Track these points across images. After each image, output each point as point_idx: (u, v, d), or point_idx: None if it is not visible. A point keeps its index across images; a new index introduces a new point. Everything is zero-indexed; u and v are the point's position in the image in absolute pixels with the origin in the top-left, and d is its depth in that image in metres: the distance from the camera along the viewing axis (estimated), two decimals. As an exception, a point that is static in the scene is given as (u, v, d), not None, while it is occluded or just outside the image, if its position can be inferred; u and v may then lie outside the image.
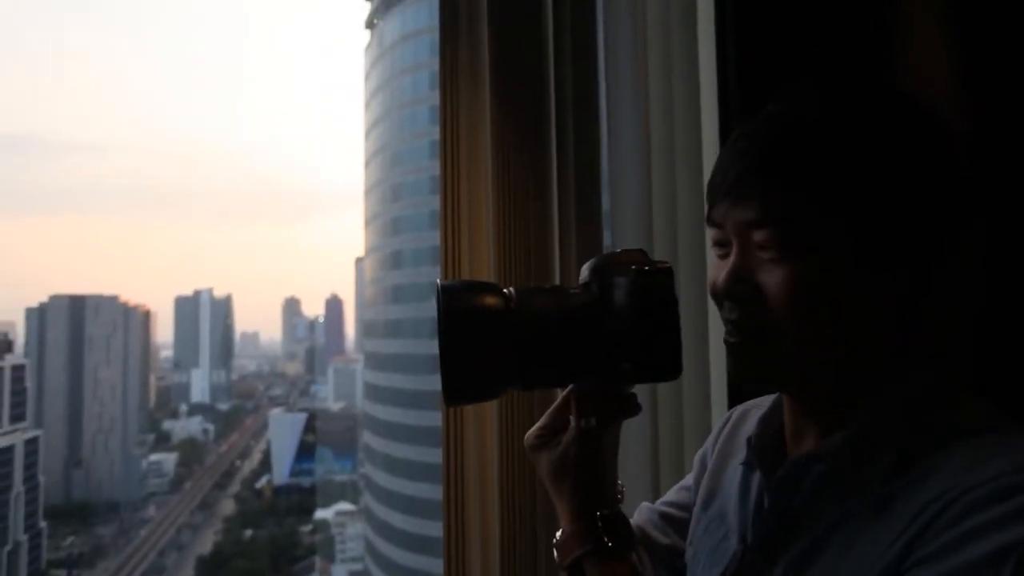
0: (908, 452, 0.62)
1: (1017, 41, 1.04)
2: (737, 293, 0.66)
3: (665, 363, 0.71)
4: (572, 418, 0.75)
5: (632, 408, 0.76)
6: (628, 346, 0.70)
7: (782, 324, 0.64)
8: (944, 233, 0.65)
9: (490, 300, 0.70)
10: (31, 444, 52.91)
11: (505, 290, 0.71)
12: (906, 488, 0.60)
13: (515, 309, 0.70)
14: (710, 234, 0.70)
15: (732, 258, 0.66)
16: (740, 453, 0.77)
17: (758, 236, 0.64)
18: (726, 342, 0.68)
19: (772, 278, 0.64)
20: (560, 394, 0.78)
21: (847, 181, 0.63)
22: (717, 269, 0.69)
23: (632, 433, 1.29)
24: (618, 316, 0.70)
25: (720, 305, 0.69)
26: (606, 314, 0.71)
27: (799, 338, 0.64)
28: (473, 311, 0.69)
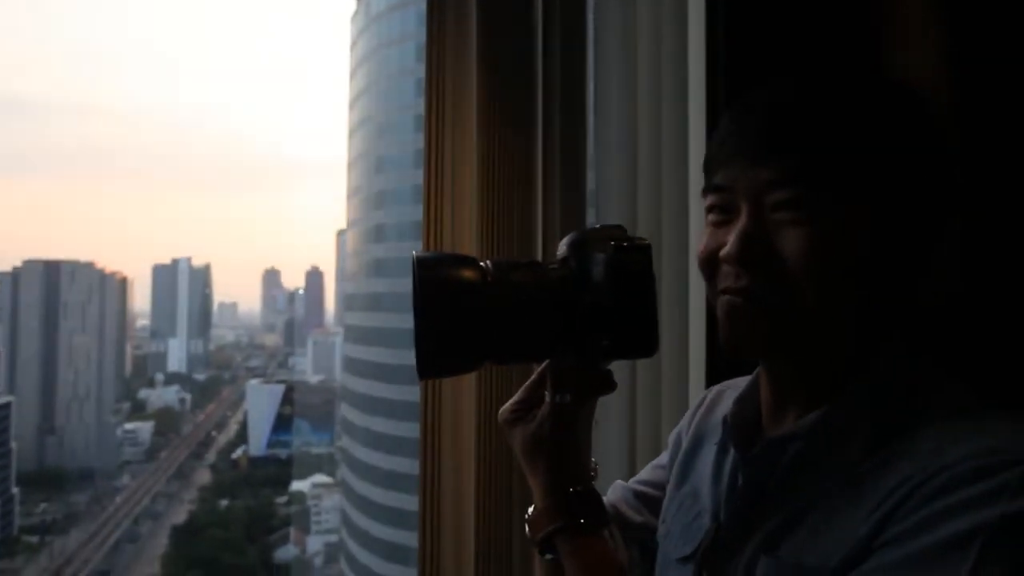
0: (883, 432, 0.62)
1: (1006, 37, 1.05)
2: (751, 256, 0.64)
3: (642, 339, 0.71)
4: (547, 393, 0.74)
5: (608, 385, 0.75)
6: (605, 322, 0.70)
7: (800, 287, 0.62)
8: (940, 216, 0.65)
9: (466, 273, 0.69)
10: (3, 410, 52.36)
11: (482, 263, 0.70)
12: (879, 468, 0.60)
13: (492, 282, 0.69)
14: (709, 200, 0.68)
15: (743, 221, 0.64)
16: (715, 433, 0.78)
17: (776, 196, 0.63)
18: (729, 305, 0.66)
19: (792, 241, 0.62)
20: (536, 369, 0.78)
21: (867, 148, 0.62)
22: (712, 238, 0.67)
23: (610, 411, 1.30)
24: (596, 291, 0.70)
25: (713, 275, 0.68)
26: (584, 289, 0.70)
27: (814, 302, 0.63)
28: (449, 283, 0.69)
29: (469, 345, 0.70)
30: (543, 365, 0.77)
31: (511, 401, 0.78)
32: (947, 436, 0.58)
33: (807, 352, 0.66)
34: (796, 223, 0.62)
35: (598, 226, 0.75)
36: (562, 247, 0.74)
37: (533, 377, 0.78)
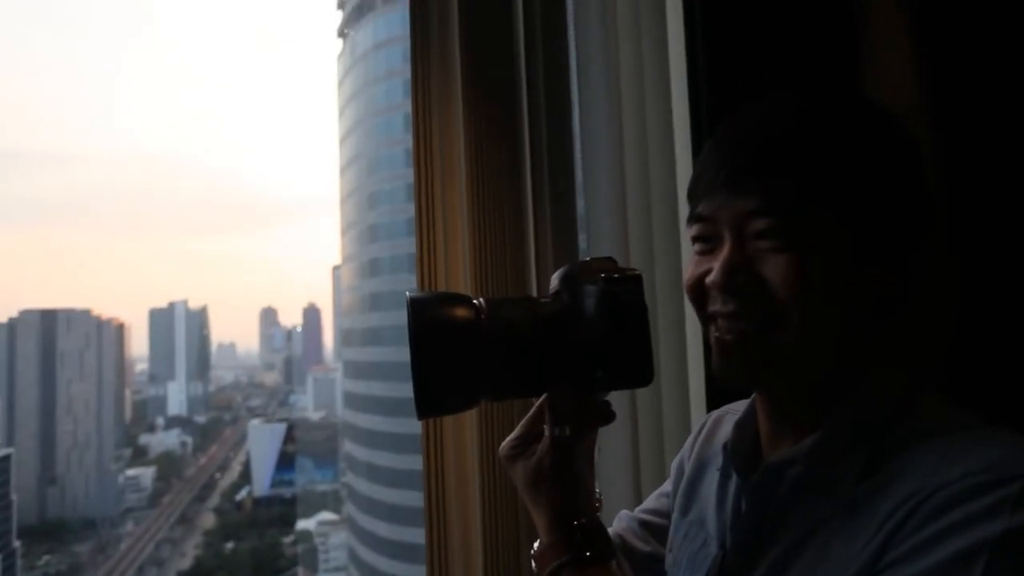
0: (878, 453, 0.62)
1: (981, 55, 1.06)
2: (736, 285, 0.65)
3: (636, 369, 0.71)
4: (546, 427, 0.74)
5: (606, 415, 0.75)
6: (599, 354, 0.70)
7: (785, 313, 0.63)
8: (921, 236, 0.66)
9: (460, 312, 0.70)
10: (3, 463, 51.87)
11: (475, 301, 0.71)
12: (877, 490, 0.60)
13: (486, 320, 0.69)
14: (693, 230, 0.69)
15: (726, 251, 0.65)
16: (717, 459, 0.77)
17: (758, 225, 0.64)
18: (719, 339, 0.67)
19: (774, 268, 0.63)
20: (534, 403, 0.78)
21: (845, 175, 0.63)
22: (697, 265, 0.68)
23: (612, 439, 1.29)
24: (589, 324, 0.70)
25: (702, 302, 0.69)
26: (577, 322, 0.71)
27: (800, 328, 0.63)
28: (444, 324, 0.69)
29: (466, 384, 0.70)
30: (541, 399, 0.76)
31: (510, 437, 0.78)
32: (943, 454, 0.59)
33: (798, 377, 0.67)
34: (777, 250, 0.63)
35: (588, 259, 0.75)
36: (554, 281, 0.75)
37: (531, 412, 0.77)
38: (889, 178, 0.65)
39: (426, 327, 0.68)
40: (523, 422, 0.77)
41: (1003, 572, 0.52)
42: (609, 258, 0.75)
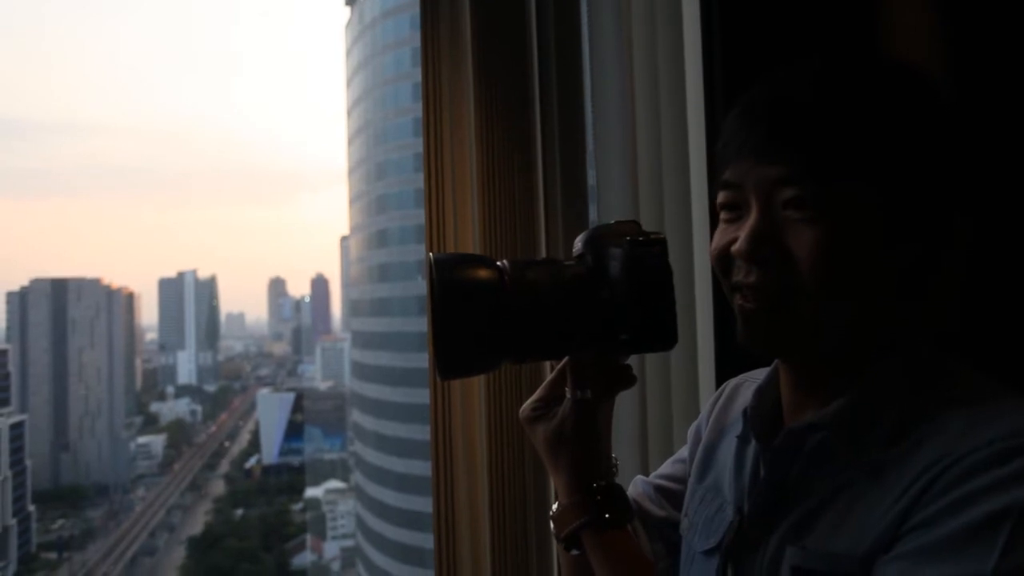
0: (906, 419, 0.62)
1: (1002, 24, 1.04)
2: (761, 254, 0.63)
3: (661, 332, 0.72)
4: (568, 390, 0.75)
5: (628, 379, 0.76)
6: (623, 316, 0.70)
7: (808, 285, 0.62)
8: (955, 207, 0.65)
9: (484, 273, 0.69)
10: (16, 429, 52.64)
11: (499, 263, 0.71)
12: (903, 454, 0.60)
13: (509, 282, 0.69)
14: (720, 197, 0.68)
15: (753, 218, 0.64)
16: (735, 425, 0.77)
17: (786, 194, 0.62)
18: (742, 307, 0.66)
19: (801, 240, 0.62)
20: (552, 367, 0.79)
21: (879, 143, 0.61)
22: (724, 234, 0.67)
23: (621, 407, 1.30)
24: (613, 287, 0.70)
25: (727, 271, 0.67)
26: (601, 285, 0.71)
27: (823, 300, 0.62)
28: (468, 284, 0.69)
29: (489, 344, 0.69)
30: (563, 362, 0.77)
31: (531, 399, 0.78)
32: (971, 420, 0.58)
33: (822, 347, 0.66)
34: (806, 221, 0.62)
35: (612, 222, 0.74)
36: (577, 244, 0.74)
37: (553, 374, 0.78)
38: (923, 144, 0.63)
39: (450, 287, 0.68)
40: (545, 384, 0.78)
41: None
42: (634, 221, 0.73)
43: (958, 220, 0.65)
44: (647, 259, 0.70)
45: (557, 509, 0.76)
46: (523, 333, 0.70)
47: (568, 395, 0.75)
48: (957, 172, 0.65)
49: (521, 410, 0.78)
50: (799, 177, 0.62)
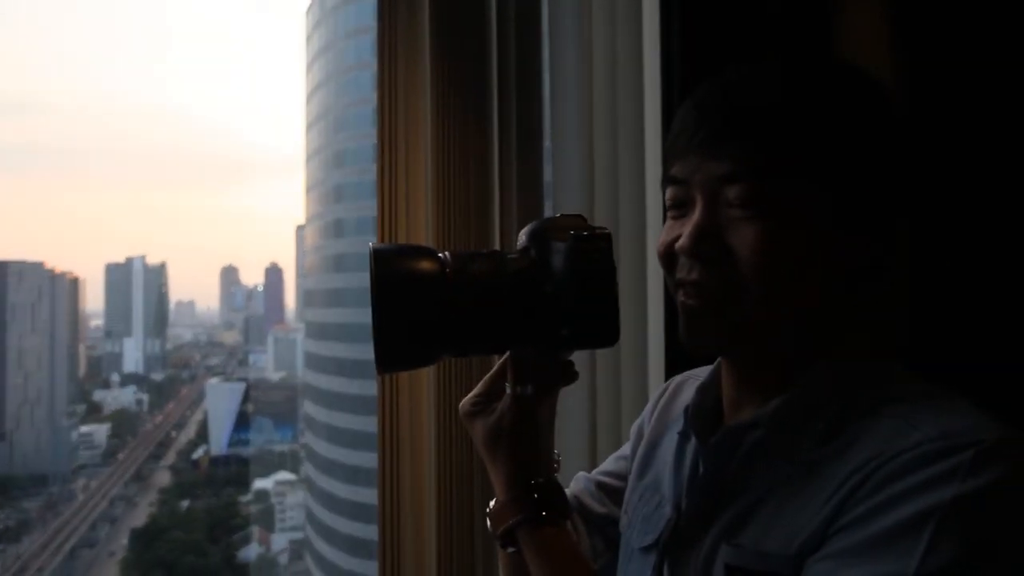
0: (840, 419, 0.62)
1: (953, 18, 1.06)
2: (703, 251, 0.64)
3: (602, 329, 0.70)
4: (508, 385, 0.74)
5: (569, 375, 0.75)
6: (565, 312, 0.69)
7: (749, 284, 0.62)
8: (898, 210, 0.65)
9: (425, 265, 0.68)
10: (-50, 416, 50.57)
11: (441, 254, 0.70)
12: (835, 454, 0.60)
13: (450, 274, 0.68)
14: (667, 193, 0.68)
15: (697, 215, 0.64)
16: (677, 423, 0.77)
17: (731, 192, 0.62)
18: (684, 305, 0.66)
19: (743, 236, 0.62)
20: (497, 361, 0.78)
21: (824, 144, 0.62)
22: (671, 230, 0.67)
23: (570, 402, 1.30)
24: (556, 281, 0.69)
25: (671, 267, 0.67)
26: (544, 279, 0.70)
27: (764, 300, 0.62)
28: (407, 276, 0.68)
29: (428, 338, 0.68)
30: (503, 357, 0.76)
31: (471, 394, 0.77)
32: (902, 421, 0.59)
33: (763, 346, 0.66)
34: (748, 218, 0.62)
35: (558, 215, 0.73)
36: (522, 237, 0.73)
37: (494, 369, 0.77)
38: (869, 144, 0.63)
39: (388, 279, 0.67)
40: (485, 379, 0.77)
41: (951, 539, 0.52)
42: (579, 215, 0.73)
43: (901, 223, 0.65)
44: (591, 254, 0.69)
45: (494, 506, 0.75)
46: (462, 326, 0.68)
47: (508, 391, 0.74)
48: (902, 176, 0.65)
49: (461, 405, 0.77)
50: (743, 175, 0.62)
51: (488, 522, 0.76)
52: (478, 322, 0.69)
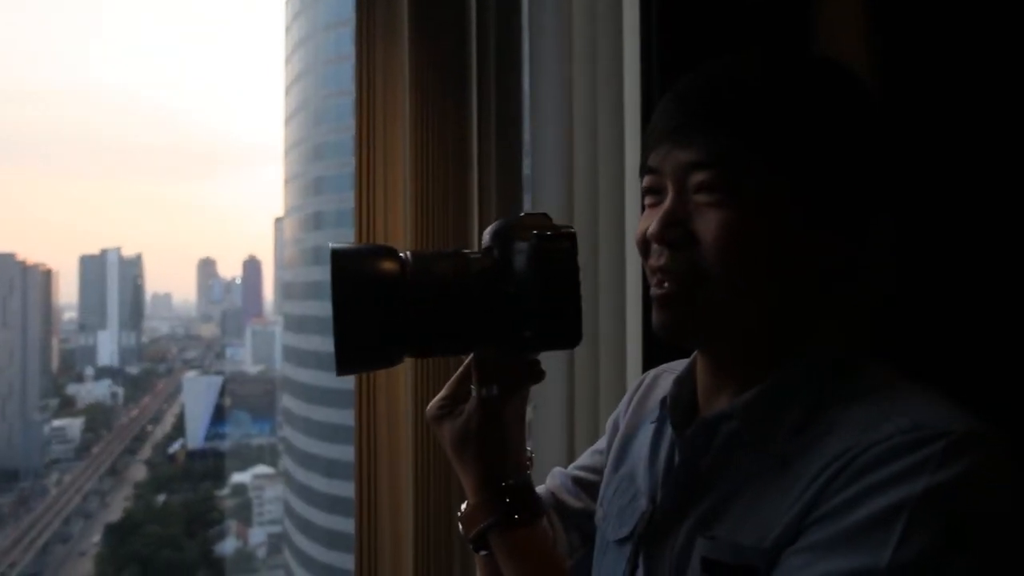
0: (814, 411, 0.62)
1: (932, 20, 1.07)
2: (670, 237, 0.64)
3: (565, 330, 0.70)
4: (473, 387, 0.73)
5: (535, 375, 0.74)
6: (528, 313, 0.68)
7: (713, 270, 0.63)
8: (878, 203, 0.65)
9: (385, 265, 0.67)
10: (-81, 410, 49.62)
11: (402, 254, 0.69)
12: (809, 446, 0.61)
13: (411, 274, 0.67)
14: (644, 183, 0.68)
15: (667, 202, 0.65)
16: (653, 416, 0.77)
17: (697, 178, 0.63)
18: (653, 295, 0.67)
19: (707, 222, 0.63)
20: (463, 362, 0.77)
21: (791, 129, 0.62)
22: (647, 219, 0.67)
23: (548, 397, 1.30)
24: (518, 282, 0.68)
25: (647, 254, 0.68)
26: (506, 280, 0.69)
27: (728, 286, 0.63)
28: (366, 277, 0.67)
29: (387, 339, 0.67)
30: (468, 359, 0.75)
31: (438, 396, 0.77)
32: (876, 413, 0.59)
33: (732, 336, 0.66)
34: (712, 206, 0.63)
35: (523, 214, 0.72)
36: (485, 236, 0.72)
37: (459, 371, 0.76)
38: (841, 136, 0.63)
39: (347, 279, 0.66)
40: (450, 381, 0.76)
41: (923, 530, 0.52)
42: (543, 214, 0.72)
43: (878, 220, 0.65)
44: (553, 254, 0.68)
45: (465, 509, 0.74)
46: (423, 327, 0.67)
47: (473, 393, 0.73)
48: (877, 174, 0.65)
49: (428, 408, 0.76)
50: (710, 162, 0.62)
51: (460, 526, 0.76)
52: (439, 323, 0.68)
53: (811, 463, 0.59)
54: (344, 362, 0.67)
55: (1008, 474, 0.56)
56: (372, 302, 0.66)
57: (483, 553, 0.74)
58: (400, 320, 0.67)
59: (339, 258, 0.67)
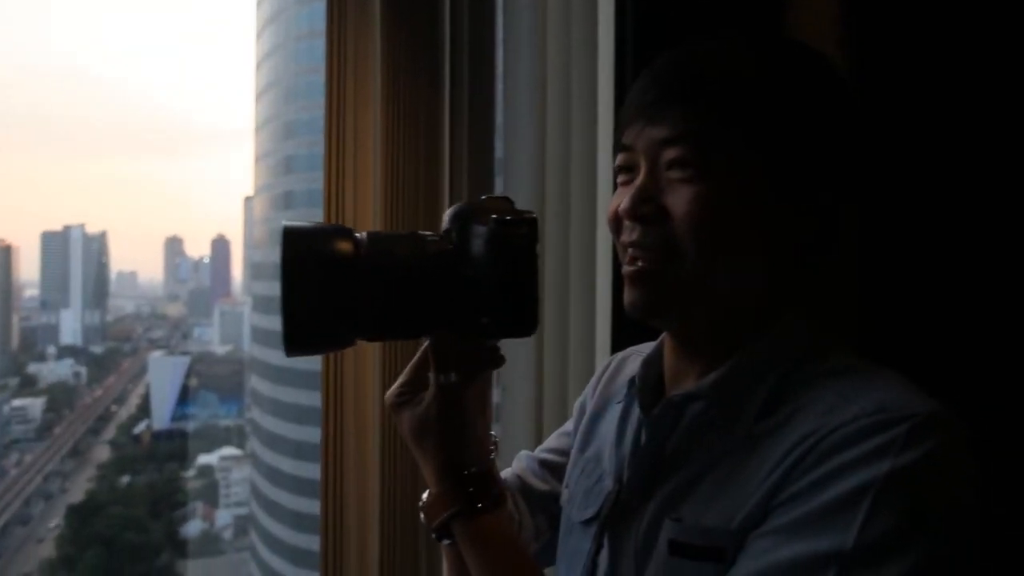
0: (779, 393, 0.63)
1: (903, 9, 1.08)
2: (642, 212, 0.65)
3: (519, 318, 0.68)
4: (431, 374, 0.71)
5: (494, 360, 0.73)
6: (484, 299, 0.67)
7: (684, 245, 0.63)
8: (848, 183, 0.66)
9: (336, 244, 0.66)
10: None
11: (357, 235, 0.67)
12: (776, 427, 0.61)
13: (364, 255, 0.66)
14: (617, 160, 0.68)
15: (640, 178, 0.65)
16: (619, 397, 0.78)
17: (670, 154, 0.64)
18: (624, 273, 0.67)
19: (679, 197, 0.63)
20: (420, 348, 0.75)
21: (767, 111, 0.62)
22: (619, 196, 0.68)
23: (517, 380, 1.30)
24: (475, 267, 0.67)
25: (618, 231, 0.68)
26: (463, 264, 0.67)
27: (698, 262, 0.63)
28: (315, 256, 0.65)
29: (337, 322, 0.65)
30: (425, 344, 0.73)
31: (396, 383, 0.75)
32: (840, 395, 0.60)
33: (700, 314, 0.66)
34: (684, 181, 0.63)
35: (484, 197, 0.71)
36: (445, 219, 0.71)
37: (416, 357, 0.74)
38: (813, 114, 0.63)
39: (296, 258, 0.64)
40: (408, 367, 0.74)
41: (888, 511, 0.53)
42: (505, 198, 0.70)
43: (848, 204, 0.65)
44: (511, 240, 0.66)
45: (427, 499, 0.73)
46: (375, 310, 0.66)
47: (432, 380, 0.71)
48: (847, 156, 0.65)
49: (387, 395, 0.75)
50: (681, 138, 0.63)
51: (422, 516, 0.75)
52: (392, 306, 0.66)
53: (777, 444, 0.60)
54: (292, 342, 0.65)
55: (967, 457, 0.57)
56: (320, 282, 0.64)
57: (447, 542, 0.74)
58: (351, 301, 0.65)
59: (290, 236, 0.65)
